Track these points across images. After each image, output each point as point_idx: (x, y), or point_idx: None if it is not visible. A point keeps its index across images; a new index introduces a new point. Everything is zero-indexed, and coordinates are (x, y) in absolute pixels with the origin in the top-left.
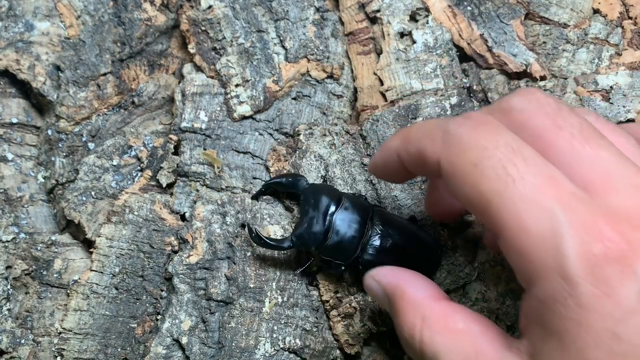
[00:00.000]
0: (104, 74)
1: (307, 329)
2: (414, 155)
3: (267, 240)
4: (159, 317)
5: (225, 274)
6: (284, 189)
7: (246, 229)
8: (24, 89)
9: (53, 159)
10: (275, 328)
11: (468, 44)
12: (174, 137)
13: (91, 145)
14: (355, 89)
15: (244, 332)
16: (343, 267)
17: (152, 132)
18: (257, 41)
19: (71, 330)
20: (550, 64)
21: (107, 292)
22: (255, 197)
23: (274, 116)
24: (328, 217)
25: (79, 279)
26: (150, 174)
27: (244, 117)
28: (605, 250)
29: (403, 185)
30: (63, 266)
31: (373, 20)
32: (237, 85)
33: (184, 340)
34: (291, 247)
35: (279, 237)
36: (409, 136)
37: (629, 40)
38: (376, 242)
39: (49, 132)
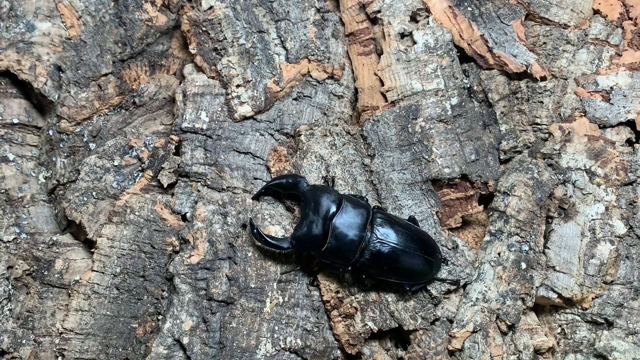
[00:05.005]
0: (105, 75)
1: (308, 329)
2: None
3: (267, 239)
4: (160, 317)
5: (226, 274)
6: (285, 190)
7: (248, 225)
8: (25, 90)
9: (54, 159)
10: (276, 328)
11: (469, 44)
12: (175, 138)
13: (92, 145)
14: (356, 89)
15: (245, 332)
16: (342, 270)
17: (153, 133)
18: (258, 42)
19: (72, 331)
20: (550, 64)
21: (108, 292)
22: (256, 198)
23: (275, 117)
24: (327, 222)
25: (80, 279)
26: (151, 174)
27: (245, 118)
28: None
29: (404, 185)
30: (64, 266)
31: (374, 20)
32: (238, 86)
33: (185, 340)
34: (290, 248)
35: (280, 237)
36: None
37: (629, 41)
38: (375, 246)
39: (50, 132)
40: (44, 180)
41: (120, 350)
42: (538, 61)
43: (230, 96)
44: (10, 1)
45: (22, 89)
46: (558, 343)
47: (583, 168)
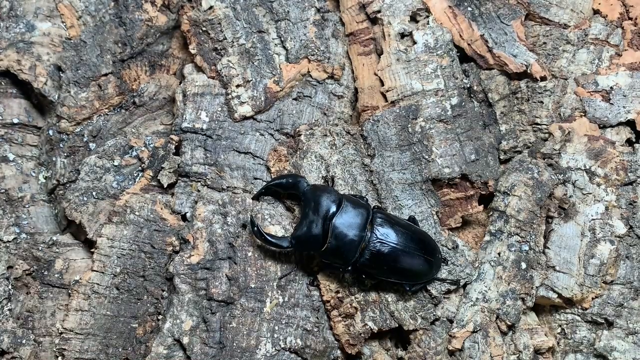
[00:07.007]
0: (105, 75)
1: (308, 329)
2: None
3: (268, 237)
4: (160, 317)
5: (226, 274)
6: (285, 190)
7: (248, 223)
8: (25, 90)
9: (54, 159)
10: (276, 328)
11: (468, 44)
12: (175, 138)
13: (92, 145)
14: (355, 89)
15: (245, 332)
16: (342, 270)
17: (153, 133)
18: (258, 42)
19: (72, 331)
20: (550, 64)
21: (108, 292)
22: (256, 198)
23: (275, 116)
24: (327, 222)
25: (80, 279)
26: (151, 174)
27: (245, 118)
28: None
29: (404, 185)
30: (64, 266)
31: (374, 20)
32: (238, 86)
33: (185, 340)
34: (290, 247)
35: (280, 236)
36: None
37: (629, 41)
38: (375, 246)
39: (50, 132)
40: (44, 180)
41: (120, 350)
42: (538, 61)
43: (230, 96)
44: (10, 1)
45: (22, 88)
46: (558, 343)
47: (583, 168)
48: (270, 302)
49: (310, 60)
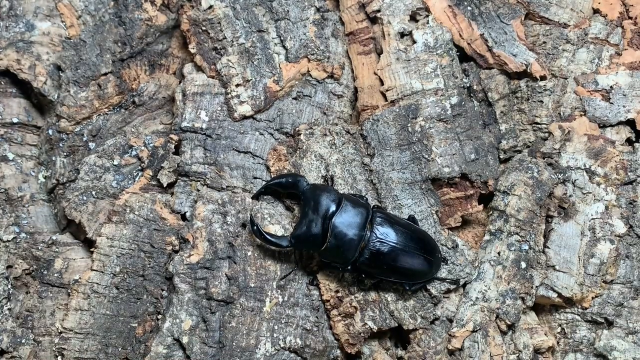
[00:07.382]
0: (105, 74)
1: (308, 328)
2: None
3: (267, 236)
4: (160, 316)
5: (226, 274)
6: (284, 190)
7: (248, 222)
8: (25, 89)
9: (54, 158)
10: (276, 327)
11: (468, 43)
12: (175, 137)
13: (92, 145)
14: (355, 88)
15: (244, 332)
16: (342, 269)
17: (152, 132)
18: (257, 41)
19: (72, 330)
20: (550, 63)
21: (108, 292)
22: (256, 197)
23: (275, 116)
24: (327, 221)
25: (80, 278)
26: (150, 173)
27: (244, 117)
28: None
29: (403, 185)
30: (64, 266)
31: (373, 20)
32: (237, 85)
33: (184, 339)
34: (289, 246)
35: (279, 235)
36: None
37: (629, 40)
38: (374, 245)
39: (50, 131)
40: (43, 180)
41: (119, 349)
42: (538, 60)
43: (229, 95)
44: (10, 0)
45: (21, 88)
46: (558, 342)
47: (583, 167)
48: (270, 302)
49: (310, 60)
